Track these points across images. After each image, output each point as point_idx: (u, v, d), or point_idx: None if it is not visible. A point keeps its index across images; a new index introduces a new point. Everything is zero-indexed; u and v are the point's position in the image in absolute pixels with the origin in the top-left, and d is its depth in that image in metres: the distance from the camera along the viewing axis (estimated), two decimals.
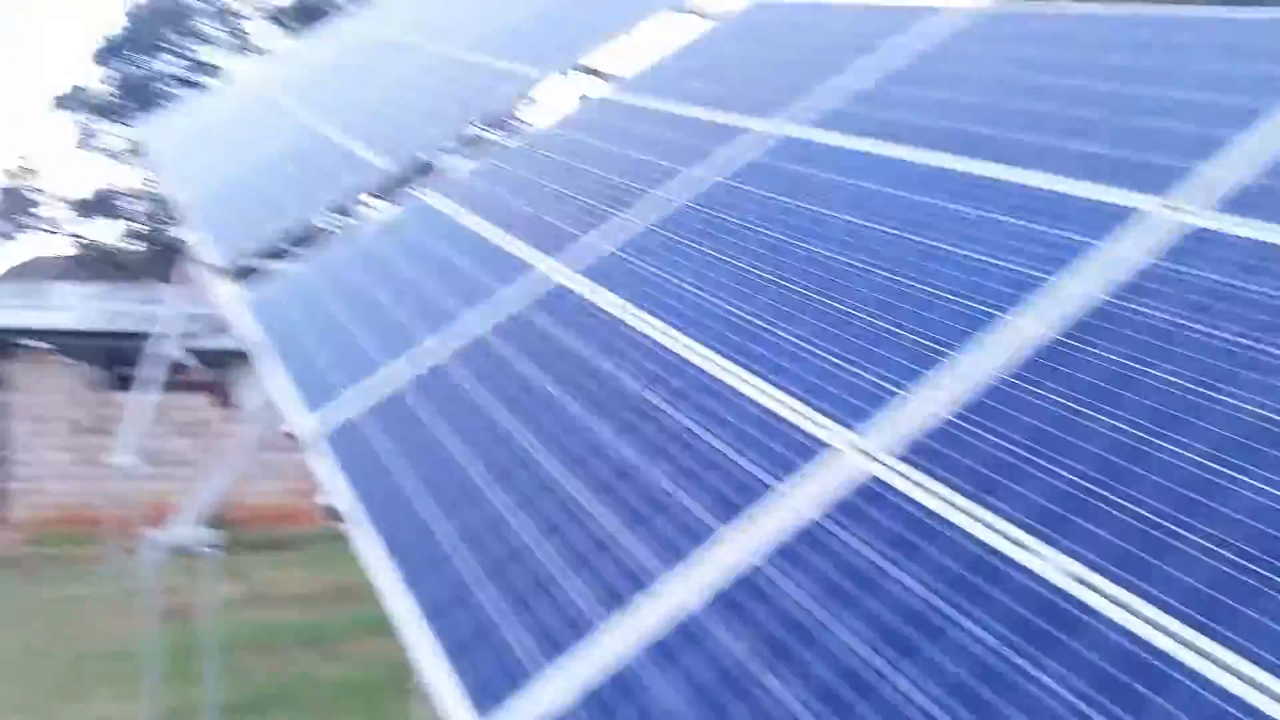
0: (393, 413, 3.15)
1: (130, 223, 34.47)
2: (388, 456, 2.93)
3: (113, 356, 17.45)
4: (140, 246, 35.54)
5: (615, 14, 5.79)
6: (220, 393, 16.52)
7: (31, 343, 16.26)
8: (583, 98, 5.11)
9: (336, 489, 2.93)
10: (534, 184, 4.34)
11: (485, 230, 4.06)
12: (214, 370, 15.90)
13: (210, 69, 30.46)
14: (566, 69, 5.54)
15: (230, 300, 4.55)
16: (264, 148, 6.66)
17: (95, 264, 33.75)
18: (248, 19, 30.90)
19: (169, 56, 30.17)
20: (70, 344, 16.27)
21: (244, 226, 5.37)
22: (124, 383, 17.78)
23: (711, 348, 2.71)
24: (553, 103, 5.83)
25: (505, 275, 3.61)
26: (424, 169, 5.32)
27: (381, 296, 3.92)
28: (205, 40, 30.42)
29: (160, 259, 34.63)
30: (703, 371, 2.63)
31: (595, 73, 5.78)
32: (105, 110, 31.27)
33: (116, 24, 30.97)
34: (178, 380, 14.68)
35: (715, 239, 3.26)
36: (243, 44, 30.74)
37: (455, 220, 4.30)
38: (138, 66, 30.35)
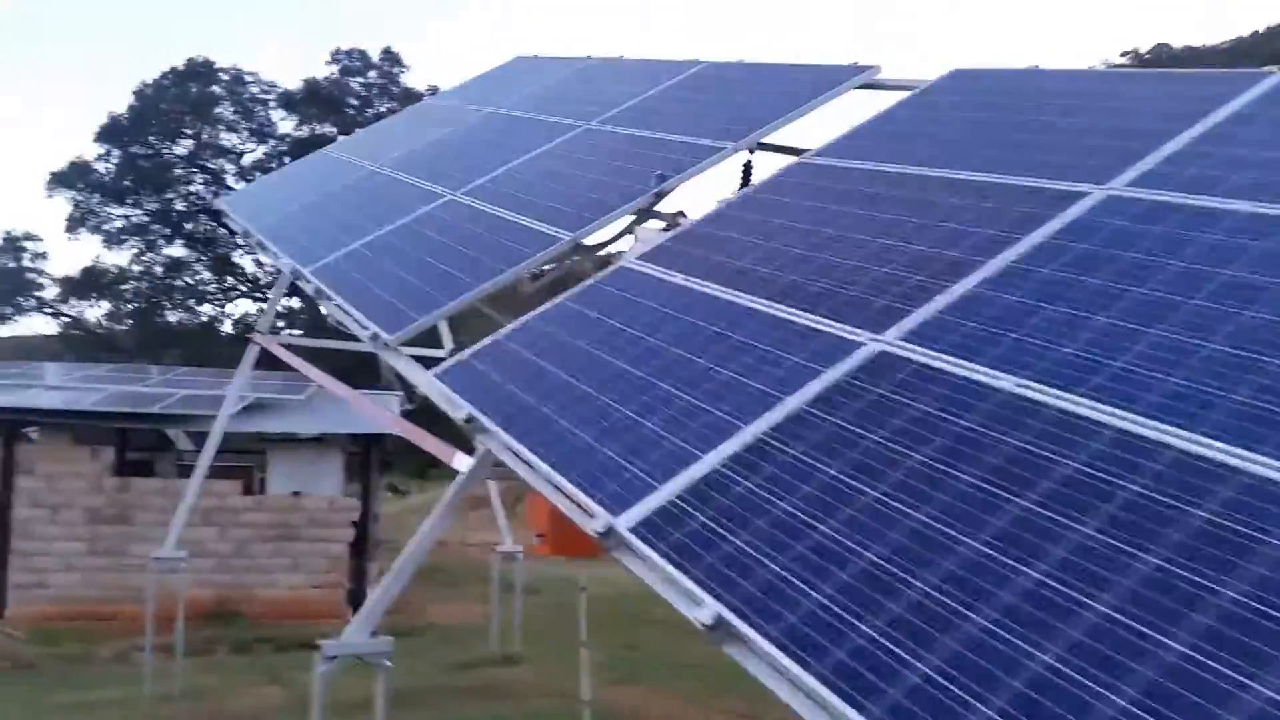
0: (726, 502, 2.62)
1: (121, 303, 33.78)
2: (744, 554, 2.39)
3: (125, 440, 16.61)
4: (128, 326, 34.79)
5: (799, 94, 5.46)
6: (248, 479, 15.71)
7: (42, 423, 15.42)
8: (797, 163, 4.70)
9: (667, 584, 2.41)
10: (783, 253, 3.89)
11: (761, 304, 3.58)
12: (243, 456, 15.14)
13: (222, 151, 30.30)
14: (752, 145, 5.16)
15: (428, 379, 4.01)
16: (406, 223, 6.19)
17: (82, 343, 32.87)
18: (259, 103, 30.82)
19: (176, 137, 29.92)
20: (84, 426, 15.45)
21: (409, 300, 4.86)
22: (135, 468, 16.93)
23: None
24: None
25: (823, 350, 3.11)
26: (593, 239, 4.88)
27: (647, 373, 3.41)
28: (214, 122, 30.23)
29: (152, 340, 33.86)
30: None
31: (777, 148, 5.42)
32: (104, 188, 30.88)
33: (121, 102, 30.79)
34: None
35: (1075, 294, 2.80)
36: (254, 127, 30.61)
37: (706, 292, 3.82)
38: (142, 146, 30.05)
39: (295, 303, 29.31)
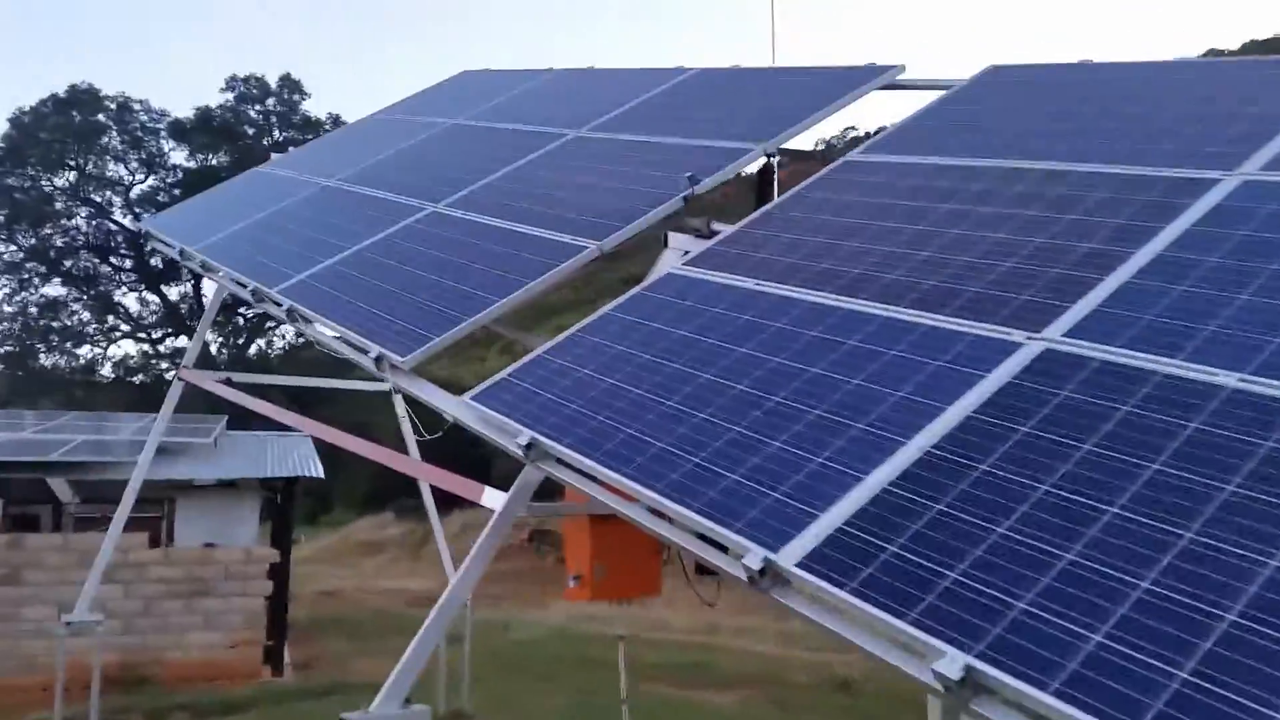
0: (917, 527, 2.19)
1: None
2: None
3: (4, 492, 15.15)
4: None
5: (824, 92, 5.14)
6: (155, 530, 14.45)
7: None
8: (845, 162, 4.35)
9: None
10: (868, 252, 3.51)
11: (865, 306, 3.18)
12: (150, 505, 13.90)
13: (109, 183, 28.45)
14: (773, 149, 4.79)
15: (462, 404, 3.47)
16: (386, 237, 5.61)
17: None
18: (149, 132, 29.18)
19: (57, 169, 27.98)
20: None
21: (419, 318, 4.30)
22: (16, 522, 15.43)
23: None
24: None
25: (973, 353, 2.72)
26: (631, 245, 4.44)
27: (750, 386, 2.97)
28: (100, 153, 28.43)
29: (27, 384, 31.51)
30: None
31: (796, 153, 5.08)
32: None
33: None
34: (103, 517, 12.72)
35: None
36: (143, 157, 28.92)
37: (791, 296, 3.41)
38: (18, 178, 28.02)
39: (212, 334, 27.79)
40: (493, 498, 3.86)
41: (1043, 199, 3.42)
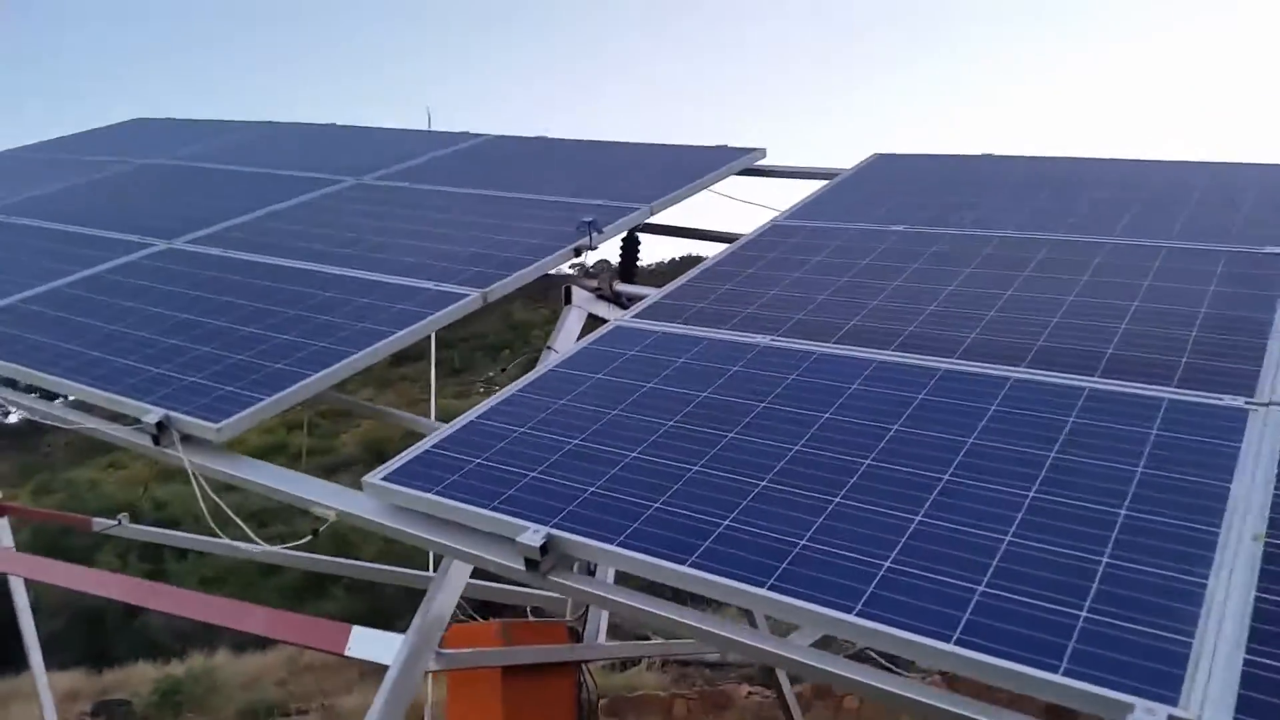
0: None
1: None
2: None
3: None
4: None
5: (688, 169, 4.48)
6: None
7: None
8: (773, 225, 3.67)
9: None
10: (885, 309, 2.84)
11: (930, 361, 2.47)
12: None
13: None
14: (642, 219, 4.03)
15: (378, 488, 2.18)
16: (97, 274, 3.91)
17: None
18: None
19: None
20: None
21: (224, 376, 2.85)
22: None
23: None
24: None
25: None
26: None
27: (842, 451, 2.09)
28: None
29: None
30: None
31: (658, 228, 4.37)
32: None
33: None
34: None
35: None
36: None
37: (830, 353, 2.60)
38: None
39: None
40: (374, 643, 2.47)
41: (1028, 262, 3.00)
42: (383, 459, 2.35)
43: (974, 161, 4.33)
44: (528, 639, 3.07)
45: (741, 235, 3.78)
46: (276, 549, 2.53)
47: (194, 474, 2.57)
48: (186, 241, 4.17)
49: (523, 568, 2.00)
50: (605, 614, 3.65)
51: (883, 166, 4.41)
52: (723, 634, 1.80)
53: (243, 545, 2.76)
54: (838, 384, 2.46)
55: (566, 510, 2.05)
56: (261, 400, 2.67)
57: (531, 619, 3.69)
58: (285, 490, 2.43)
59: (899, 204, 3.85)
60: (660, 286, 3.28)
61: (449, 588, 2.60)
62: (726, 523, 1.95)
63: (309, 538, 2.37)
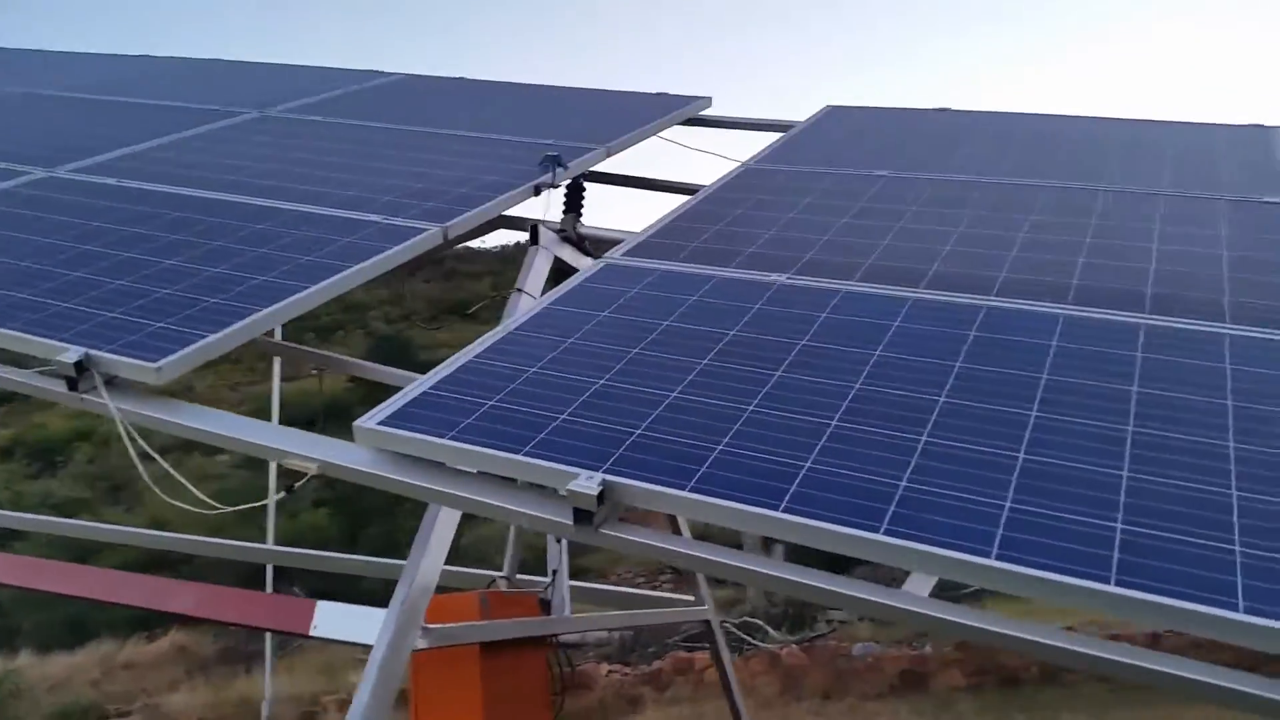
0: None
1: None
2: None
3: None
4: None
5: (636, 112, 4.18)
6: None
7: None
8: (743, 168, 3.43)
9: None
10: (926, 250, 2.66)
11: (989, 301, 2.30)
12: None
13: None
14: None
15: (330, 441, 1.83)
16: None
17: None
18: None
19: None
20: None
21: (154, 312, 2.41)
22: None
23: None
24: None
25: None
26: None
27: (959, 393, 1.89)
28: None
29: None
30: None
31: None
32: None
33: None
34: None
35: None
36: None
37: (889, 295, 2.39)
38: None
39: None
40: (345, 620, 2.10)
41: (1025, 205, 2.90)
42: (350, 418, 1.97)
43: (934, 115, 4.22)
44: (505, 611, 2.75)
45: (700, 186, 3.54)
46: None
47: (124, 426, 2.14)
48: (71, 170, 3.61)
49: (570, 521, 1.71)
50: (567, 584, 3.35)
51: (841, 117, 4.25)
52: (851, 593, 1.55)
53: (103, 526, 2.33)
54: (879, 321, 2.25)
55: (617, 454, 1.77)
56: (205, 337, 2.25)
57: (504, 589, 3.36)
58: (251, 441, 2.04)
59: (873, 150, 3.70)
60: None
61: (433, 551, 2.26)
62: (808, 465, 1.71)
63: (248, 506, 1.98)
